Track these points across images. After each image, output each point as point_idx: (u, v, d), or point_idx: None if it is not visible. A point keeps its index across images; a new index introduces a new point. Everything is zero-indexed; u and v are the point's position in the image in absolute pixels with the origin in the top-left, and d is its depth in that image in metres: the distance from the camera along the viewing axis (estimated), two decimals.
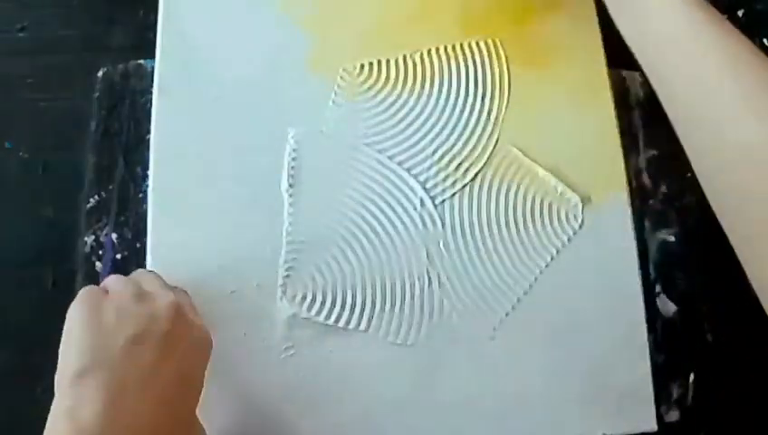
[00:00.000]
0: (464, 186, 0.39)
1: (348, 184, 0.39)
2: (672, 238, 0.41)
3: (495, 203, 0.39)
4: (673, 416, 0.39)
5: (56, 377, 0.30)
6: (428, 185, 0.39)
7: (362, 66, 0.41)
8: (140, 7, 0.44)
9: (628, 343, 0.38)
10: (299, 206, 0.38)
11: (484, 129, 0.40)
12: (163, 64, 0.40)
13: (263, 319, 0.37)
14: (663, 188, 0.42)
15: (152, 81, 0.40)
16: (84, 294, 0.32)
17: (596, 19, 0.42)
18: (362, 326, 0.37)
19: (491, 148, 0.40)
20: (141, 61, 0.42)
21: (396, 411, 0.37)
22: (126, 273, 0.35)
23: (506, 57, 0.41)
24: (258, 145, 0.39)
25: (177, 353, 0.31)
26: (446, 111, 0.40)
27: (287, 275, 0.38)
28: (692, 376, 0.39)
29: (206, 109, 0.40)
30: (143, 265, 0.38)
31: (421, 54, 0.41)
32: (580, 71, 0.41)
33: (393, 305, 0.38)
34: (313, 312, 0.37)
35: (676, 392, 0.39)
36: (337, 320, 0.37)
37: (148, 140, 0.39)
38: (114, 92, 0.42)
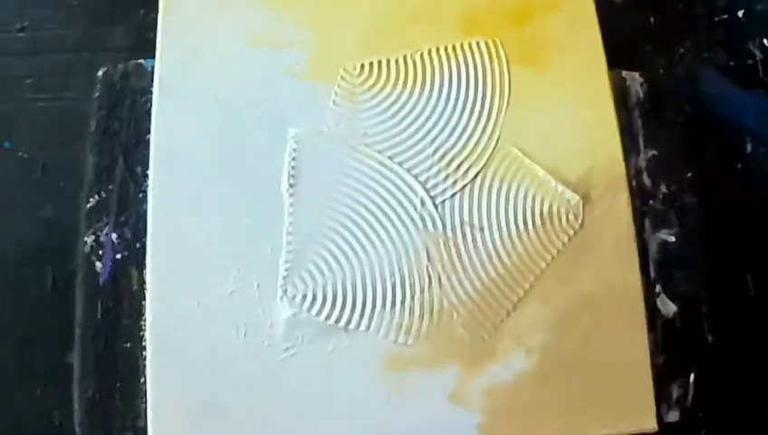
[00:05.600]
0: (464, 186, 0.39)
1: (348, 184, 0.39)
2: (672, 238, 0.41)
3: (496, 203, 0.39)
4: (673, 416, 0.39)
5: None
6: (429, 185, 0.39)
7: (362, 66, 0.41)
8: (140, 7, 0.44)
9: (629, 343, 0.38)
10: (299, 206, 0.38)
11: (484, 129, 0.40)
12: (163, 64, 0.40)
13: (263, 319, 0.37)
14: (663, 188, 0.42)
15: (152, 81, 0.40)
16: None
17: (596, 19, 0.42)
18: (363, 326, 0.37)
19: (491, 148, 0.40)
20: (141, 61, 0.42)
21: (396, 411, 0.37)
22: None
23: (506, 57, 0.41)
24: (258, 145, 0.39)
25: None
26: (446, 111, 0.40)
27: (287, 275, 0.38)
28: (692, 376, 0.39)
29: (206, 109, 0.40)
30: (143, 265, 0.38)
31: (421, 54, 0.41)
32: (580, 71, 0.41)
33: (393, 305, 0.38)
34: (313, 312, 0.37)
35: (676, 392, 0.39)
36: (337, 320, 0.37)
37: (149, 139, 0.39)
38: (114, 92, 0.42)
